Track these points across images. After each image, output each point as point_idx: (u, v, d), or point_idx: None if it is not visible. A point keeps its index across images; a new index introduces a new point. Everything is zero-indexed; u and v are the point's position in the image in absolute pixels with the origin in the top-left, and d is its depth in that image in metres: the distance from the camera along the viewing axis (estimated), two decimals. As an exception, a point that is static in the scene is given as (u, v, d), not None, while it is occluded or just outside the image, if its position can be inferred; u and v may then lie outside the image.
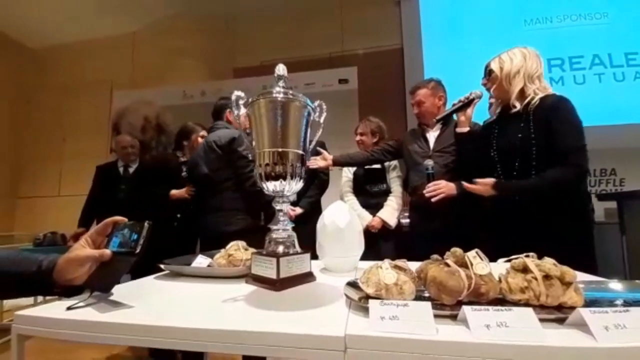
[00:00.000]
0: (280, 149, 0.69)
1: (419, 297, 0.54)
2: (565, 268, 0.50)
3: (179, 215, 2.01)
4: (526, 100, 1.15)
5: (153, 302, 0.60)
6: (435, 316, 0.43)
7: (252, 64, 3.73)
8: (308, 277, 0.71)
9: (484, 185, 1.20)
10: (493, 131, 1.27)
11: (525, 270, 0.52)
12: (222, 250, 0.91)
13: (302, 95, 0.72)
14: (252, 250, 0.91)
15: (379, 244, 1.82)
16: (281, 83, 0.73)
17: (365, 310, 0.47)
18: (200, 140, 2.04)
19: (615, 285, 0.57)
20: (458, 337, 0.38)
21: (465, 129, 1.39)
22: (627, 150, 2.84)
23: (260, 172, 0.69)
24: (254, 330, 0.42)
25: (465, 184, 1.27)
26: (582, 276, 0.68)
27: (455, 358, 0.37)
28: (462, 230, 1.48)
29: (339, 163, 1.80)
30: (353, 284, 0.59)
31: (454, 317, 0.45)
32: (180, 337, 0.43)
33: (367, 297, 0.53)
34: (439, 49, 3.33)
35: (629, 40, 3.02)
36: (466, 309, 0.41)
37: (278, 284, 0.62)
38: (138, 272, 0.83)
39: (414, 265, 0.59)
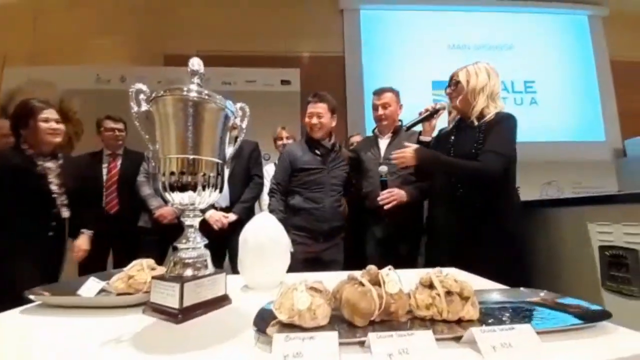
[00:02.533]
0: (191, 156, 0.60)
1: (333, 318, 0.52)
2: (465, 283, 0.53)
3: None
4: (484, 116, 1.20)
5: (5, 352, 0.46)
6: (344, 344, 0.42)
7: (187, 52, 3.39)
8: (221, 301, 0.63)
9: (406, 150, 1.24)
10: (450, 140, 1.32)
11: (431, 285, 0.54)
12: (124, 270, 0.77)
13: (221, 96, 0.64)
14: (160, 269, 0.79)
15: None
16: (196, 79, 0.64)
17: (271, 343, 0.42)
18: (44, 125, 1.42)
19: (504, 293, 0.63)
20: (361, 370, 0.37)
21: (429, 138, 1.47)
22: (520, 165, 3.38)
23: (163, 182, 0.59)
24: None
25: (394, 154, 1.30)
26: (479, 284, 0.75)
27: (356, 395, 0.35)
28: (409, 234, 1.57)
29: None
30: (266, 310, 0.54)
31: (362, 344, 0.43)
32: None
33: (281, 323, 0.49)
34: (376, 62, 3.52)
35: (528, 70, 3.62)
36: (371, 337, 0.40)
37: (180, 315, 0.54)
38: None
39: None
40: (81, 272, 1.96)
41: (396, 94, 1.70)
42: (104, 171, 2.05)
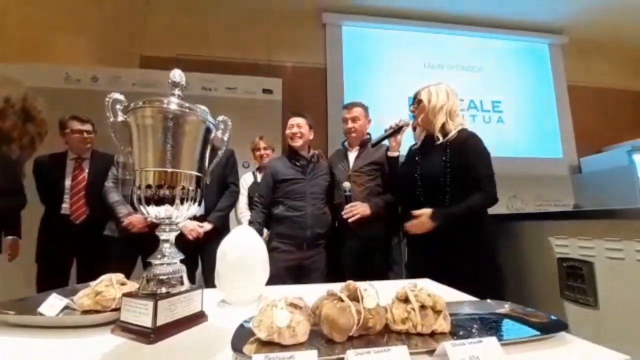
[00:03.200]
0: (169, 170, 0.59)
1: (312, 334, 0.52)
2: (437, 297, 0.56)
3: None
4: (447, 134, 1.28)
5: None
6: (324, 361, 0.42)
7: (166, 54, 3.31)
8: (197, 319, 0.61)
9: (421, 218, 1.23)
10: (417, 157, 1.40)
11: (406, 300, 0.56)
12: (90, 285, 0.73)
13: (203, 108, 0.64)
14: (131, 284, 0.75)
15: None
16: (177, 92, 0.63)
17: (253, 362, 0.42)
18: None
19: (473, 305, 0.67)
20: (339, 388, 0.37)
21: (396, 154, 1.53)
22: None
23: (139, 195, 0.57)
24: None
25: (407, 225, 1.30)
26: (450, 295, 0.78)
27: (335, 413, 0.35)
28: (381, 245, 1.61)
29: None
30: (244, 328, 0.54)
31: (340, 360, 0.44)
32: None
33: (260, 341, 0.49)
34: (357, 76, 3.62)
35: (495, 91, 3.88)
36: (349, 355, 0.41)
37: (153, 335, 0.52)
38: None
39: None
40: (40, 286, 1.81)
41: (365, 108, 1.78)
42: (68, 177, 1.91)
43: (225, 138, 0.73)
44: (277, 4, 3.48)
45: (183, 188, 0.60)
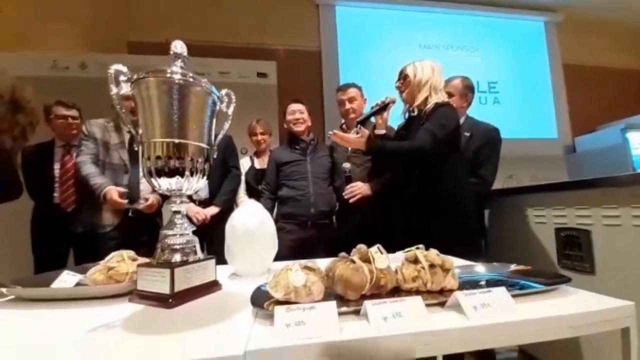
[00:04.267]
0: (177, 140, 0.59)
1: (327, 296, 0.54)
2: (445, 257, 0.58)
3: None
4: (426, 106, 1.31)
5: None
6: (341, 314, 0.44)
7: (154, 39, 3.21)
8: (212, 287, 0.63)
9: (358, 140, 1.30)
10: (402, 133, 1.42)
11: (416, 261, 0.58)
12: (100, 263, 0.74)
13: (206, 80, 0.63)
14: (142, 260, 0.76)
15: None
16: (179, 63, 0.62)
17: (271, 317, 0.44)
18: None
19: (479, 267, 0.69)
20: (359, 334, 0.39)
21: (383, 131, 1.51)
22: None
23: (149, 167, 0.57)
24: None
25: (336, 133, 1.35)
26: (457, 261, 0.81)
27: (357, 355, 0.37)
28: (379, 224, 1.59)
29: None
30: (261, 290, 0.55)
31: (357, 312, 0.46)
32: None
33: (277, 302, 0.50)
34: (352, 57, 3.57)
35: (491, 72, 3.86)
36: (367, 304, 0.43)
37: (172, 300, 0.53)
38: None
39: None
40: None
41: (359, 88, 1.77)
42: (56, 165, 1.86)
43: (230, 111, 0.72)
44: (269, -15, 3.39)
45: (192, 159, 0.60)
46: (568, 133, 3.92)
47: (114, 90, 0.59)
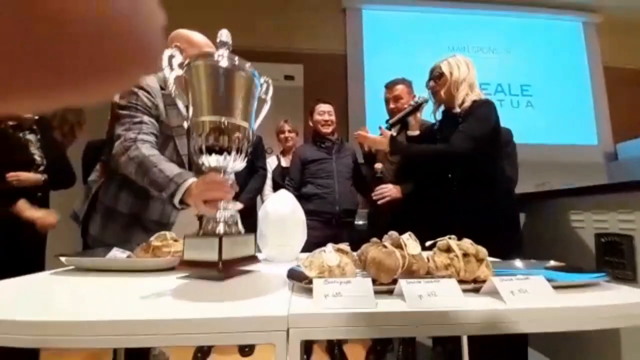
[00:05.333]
0: (224, 119, 0.63)
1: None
2: (479, 247, 0.58)
3: None
4: (463, 105, 1.25)
5: (57, 300, 0.49)
6: (375, 292, 0.46)
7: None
8: (252, 260, 0.67)
9: (381, 140, 1.34)
10: (436, 133, 1.37)
11: (448, 250, 0.58)
12: (144, 243, 0.80)
13: (250, 64, 0.68)
14: (182, 241, 0.82)
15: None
16: (224, 50, 0.67)
17: (308, 291, 0.46)
18: None
19: (517, 263, 0.68)
20: (395, 307, 0.41)
21: (417, 132, 1.50)
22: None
23: (200, 144, 0.62)
24: (191, 318, 0.38)
25: (360, 133, 1.40)
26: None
27: (393, 327, 0.39)
28: (409, 228, 1.59)
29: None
30: (295, 270, 0.58)
31: (390, 292, 0.47)
32: (109, 332, 0.36)
33: (310, 281, 0.53)
34: (378, 61, 3.57)
35: (524, 74, 3.71)
36: (402, 282, 0.44)
37: (220, 267, 0.56)
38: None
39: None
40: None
41: (407, 84, 1.71)
42: None
43: (268, 97, 0.77)
44: (297, -10, 3.48)
45: (238, 138, 0.64)
46: (609, 139, 3.67)
47: (168, 72, 0.65)
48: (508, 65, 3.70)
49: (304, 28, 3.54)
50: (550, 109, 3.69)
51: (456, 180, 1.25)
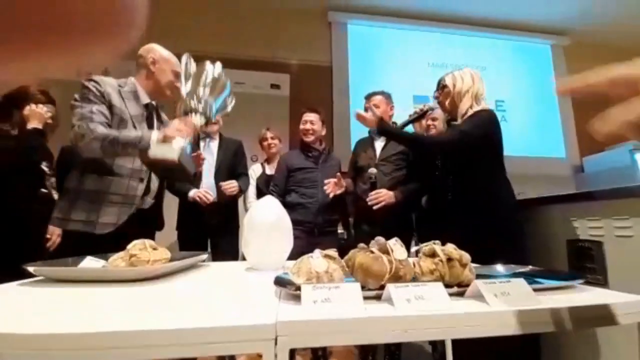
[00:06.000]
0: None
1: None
2: (463, 252, 0.59)
3: None
4: (465, 115, 1.29)
5: (24, 310, 0.45)
6: (364, 298, 0.45)
7: (173, 51, 3.37)
8: None
9: (371, 119, 1.38)
10: None
11: (433, 255, 0.59)
12: (121, 252, 0.76)
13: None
14: (162, 249, 0.79)
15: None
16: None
17: (296, 298, 0.45)
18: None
19: (499, 267, 0.70)
20: (384, 312, 0.40)
21: None
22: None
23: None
24: (171, 329, 0.36)
25: (358, 111, 1.44)
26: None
27: (383, 332, 0.38)
28: (399, 234, 1.60)
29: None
30: (282, 277, 0.57)
31: (378, 298, 0.47)
32: (77, 346, 0.33)
33: (298, 287, 0.52)
34: (362, 74, 3.67)
35: (498, 91, 3.93)
36: (390, 287, 0.44)
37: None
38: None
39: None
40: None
41: (386, 96, 1.78)
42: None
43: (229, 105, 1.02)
44: (283, 3, 3.54)
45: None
46: (576, 153, 3.92)
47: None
48: (485, 82, 3.91)
49: (291, 40, 3.59)
50: (522, 123, 3.91)
51: (457, 186, 1.26)
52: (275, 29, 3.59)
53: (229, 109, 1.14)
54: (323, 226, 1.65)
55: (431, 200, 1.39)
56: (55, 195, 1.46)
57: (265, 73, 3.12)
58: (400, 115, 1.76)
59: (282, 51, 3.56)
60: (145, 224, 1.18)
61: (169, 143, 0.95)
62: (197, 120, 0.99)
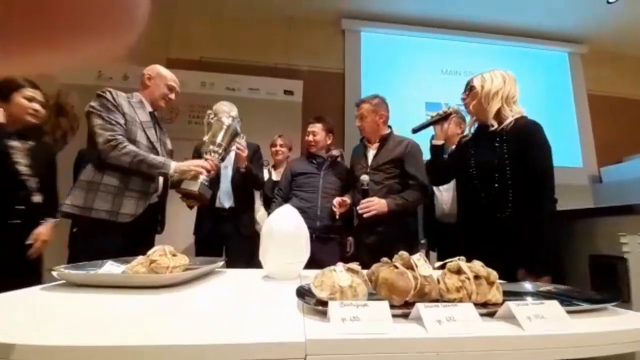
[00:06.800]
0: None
1: (370, 299, 0.54)
2: (490, 270, 0.58)
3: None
4: (502, 121, 1.20)
5: (47, 319, 0.46)
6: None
7: (190, 57, 3.44)
8: None
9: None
10: (470, 148, 1.30)
11: (459, 271, 0.58)
12: (140, 257, 0.77)
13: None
14: (180, 256, 0.79)
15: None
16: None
17: (321, 314, 0.45)
18: (27, 103, 1.38)
19: (526, 285, 0.68)
20: (415, 333, 0.39)
21: (440, 142, 1.43)
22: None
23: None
24: (197, 344, 0.35)
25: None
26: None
27: (414, 355, 0.38)
28: (399, 243, 1.54)
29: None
30: (303, 290, 0.56)
31: (405, 316, 0.46)
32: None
33: (320, 302, 0.51)
34: (374, 81, 3.67)
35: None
36: (420, 307, 0.43)
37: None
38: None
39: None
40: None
41: (373, 103, 1.67)
42: None
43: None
44: (298, 11, 3.58)
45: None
46: (594, 163, 3.82)
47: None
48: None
49: (305, 47, 3.63)
50: (538, 132, 3.84)
51: (487, 198, 1.18)
52: (289, 36, 3.64)
53: (242, 141, 1.52)
54: (322, 232, 1.63)
55: (471, 215, 1.28)
56: (37, 198, 1.39)
57: (278, 79, 3.15)
58: (412, 121, 1.70)
59: (296, 58, 3.59)
60: (152, 216, 1.38)
61: (194, 179, 1.27)
62: (215, 159, 1.29)
